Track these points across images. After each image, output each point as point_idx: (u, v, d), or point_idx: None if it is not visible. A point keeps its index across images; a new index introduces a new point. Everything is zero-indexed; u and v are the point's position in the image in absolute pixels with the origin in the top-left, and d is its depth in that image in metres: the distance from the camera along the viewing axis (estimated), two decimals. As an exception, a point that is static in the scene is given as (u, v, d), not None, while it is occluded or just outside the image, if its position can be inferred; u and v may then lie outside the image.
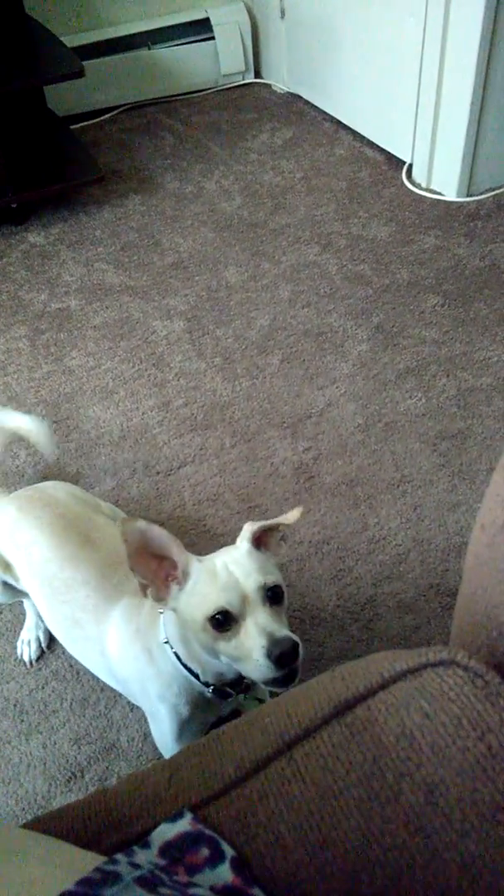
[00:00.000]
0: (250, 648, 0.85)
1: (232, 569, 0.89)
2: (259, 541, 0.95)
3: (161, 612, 1.01)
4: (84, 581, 1.12)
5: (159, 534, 0.90)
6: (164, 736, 1.09)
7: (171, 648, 0.99)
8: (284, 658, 0.84)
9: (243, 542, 0.93)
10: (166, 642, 1.00)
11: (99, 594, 1.11)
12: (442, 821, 0.53)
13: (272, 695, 1.12)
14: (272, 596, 0.88)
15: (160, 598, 0.92)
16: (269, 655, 0.84)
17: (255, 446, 1.77)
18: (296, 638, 0.85)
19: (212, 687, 0.98)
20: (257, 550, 0.94)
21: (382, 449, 1.74)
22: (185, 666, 0.99)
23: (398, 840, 0.53)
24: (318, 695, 0.62)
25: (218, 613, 0.86)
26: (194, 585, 0.90)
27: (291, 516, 0.96)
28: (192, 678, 0.99)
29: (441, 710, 0.56)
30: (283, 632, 0.85)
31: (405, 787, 0.54)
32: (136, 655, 1.05)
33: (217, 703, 1.04)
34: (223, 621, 0.86)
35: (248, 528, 0.94)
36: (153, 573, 0.91)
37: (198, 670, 0.98)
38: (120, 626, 1.07)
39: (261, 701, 1.05)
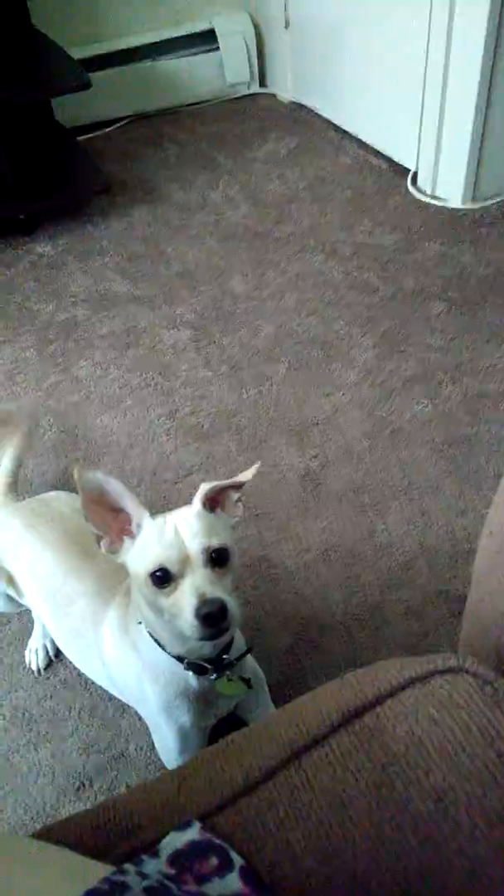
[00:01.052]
0: (182, 606, 0.86)
1: (179, 528, 0.89)
2: (215, 501, 0.95)
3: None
4: (83, 592, 1.13)
5: (116, 487, 0.91)
6: (168, 749, 1.09)
7: (146, 628, 0.99)
8: (211, 618, 0.85)
9: (196, 501, 0.93)
10: (140, 622, 1.00)
11: (95, 601, 1.11)
12: (451, 828, 0.53)
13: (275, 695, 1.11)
14: (217, 558, 0.89)
15: (113, 551, 0.93)
16: (197, 615, 0.85)
17: (262, 454, 1.77)
18: (228, 599, 0.86)
19: (185, 662, 0.97)
20: (211, 512, 0.94)
21: (389, 455, 1.74)
22: (157, 642, 0.98)
23: (408, 847, 0.53)
24: (326, 702, 0.62)
25: (158, 570, 0.87)
26: (142, 540, 0.91)
27: (247, 474, 0.96)
28: (168, 656, 0.98)
29: (450, 717, 0.56)
30: (216, 593, 0.86)
31: (414, 795, 0.54)
32: (126, 654, 1.05)
33: (207, 692, 1.02)
34: (162, 578, 0.87)
35: (202, 489, 0.94)
36: (108, 525, 0.92)
37: (161, 640, 0.97)
38: (112, 626, 1.08)
39: (244, 680, 1.04)
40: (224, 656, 0.99)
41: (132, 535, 0.92)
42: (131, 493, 0.92)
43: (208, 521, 0.91)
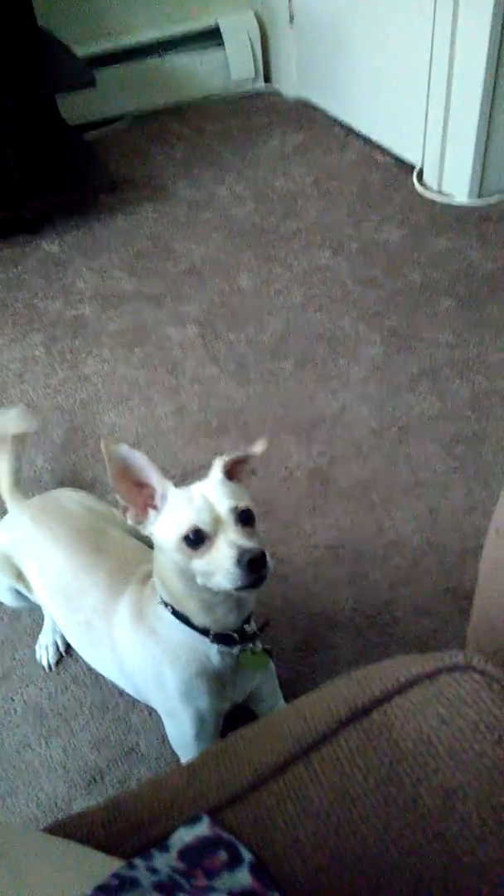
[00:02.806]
0: (221, 560, 0.90)
1: (206, 493, 0.94)
2: (230, 474, 1.01)
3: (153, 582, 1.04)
4: (94, 585, 1.15)
5: (140, 460, 0.95)
6: (183, 736, 1.09)
7: (167, 607, 1.01)
8: (254, 564, 0.89)
9: (216, 472, 0.99)
10: (160, 602, 1.02)
11: (107, 594, 1.14)
12: (460, 825, 0.53)
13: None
14: (245, 518, 0.94)
15: (139, 522, 0.97)
16: (239, 563, 0.89)
17: (270, 451, 1.75)
18: (262, 548, 0.91)
19: (212, 636, 1.00)
20: (229, 481, 0.99)
21: (397, 452, 1.74)
22: (180, 618, 1.00)
23: (416, 844, 0.53)
24: (334, 699, 0.63)
25: (191, 532, 0.91)
26: (170, 509, 0.95)
27: (259, 447, 1.04)
28: (193, 632, 1.00)
29: (458, 715, 0.56)
30: (251, 543, 0.91)
31: (423, 792, 0.54)
32: (142, 639, 1.07)
33: (226, 672, 1.05)
34: (195, 540, 0.91)
35: (220, 461, 1.00)
36: (133, 498, 0.96)
37: (188, 612, 1.00)
38: (125, 613, 1.10)
39: (267, 651, 1.08)
40: (245, 626, 1.03)
41: (156, 508, 0.96)
42: (155, 467, 0.96)
43: (231, 486, 0.97)
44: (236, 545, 0.90)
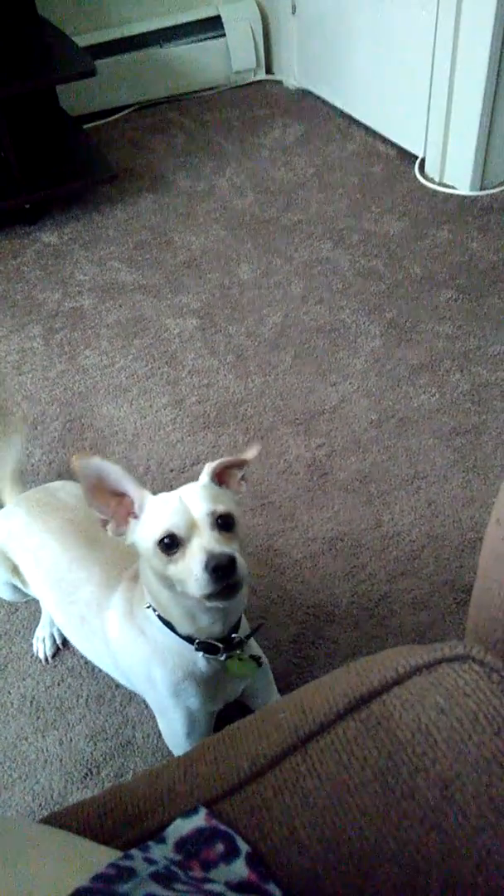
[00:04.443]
0: (191, 566, 0.87)
1: (184, 497, 0.91)
2: (220, 479, 0.98)
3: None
4: (88, 578, 1.14)
5: (115, 470, 0.92)
6: (174, 733, 1.09)
7: (155, 611, 1.00)
8: (220, 570, 0.85)
9: (203, 475, 0.96)
10: (148, 606, 1.01)
11: (101, 588, 1.13)
12: (458, 816, 0.52)
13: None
14: (222, 523, 0.90)
15: (119, 533, 0.95)
16: (206, 568, 0.85)
17: (268, 443, 1.77)
18: (235, 554, 0.87)
19: (196, 642, 0.98)
20: (217, 486, 0.96)
21: (396, 445, 1.73)
22: (165, 624, 0.99)
23: (414, 835, 0.53)
24: (332, 690, 0.62)
25: (165, 537, 0.88)
26: (147, 515, 0.92)
27: (250, 453, 1.00)
28: (177, 638, 0.99)
29: (457, 706, 0.56)
30: (222, 548, 0.86)
31: (421, 783, 0.54)
32: (133, 638, 1.06)
33: (215, 676, 1.03)
34: (170, 544, 0.88)
35: (209, 466, 0.97)
36: (112, 509, 0.94)
37: (172, 619, 0.98)
38: (117, 611, 1.09)
39: (255, 658, 1.05)
40: (233, 635, 1.00)
41: (136, 517, 0.94)
42: (130, 476, 0.93)
43: (213, 490, 0.94)
44: (205, 549, 0.86)
